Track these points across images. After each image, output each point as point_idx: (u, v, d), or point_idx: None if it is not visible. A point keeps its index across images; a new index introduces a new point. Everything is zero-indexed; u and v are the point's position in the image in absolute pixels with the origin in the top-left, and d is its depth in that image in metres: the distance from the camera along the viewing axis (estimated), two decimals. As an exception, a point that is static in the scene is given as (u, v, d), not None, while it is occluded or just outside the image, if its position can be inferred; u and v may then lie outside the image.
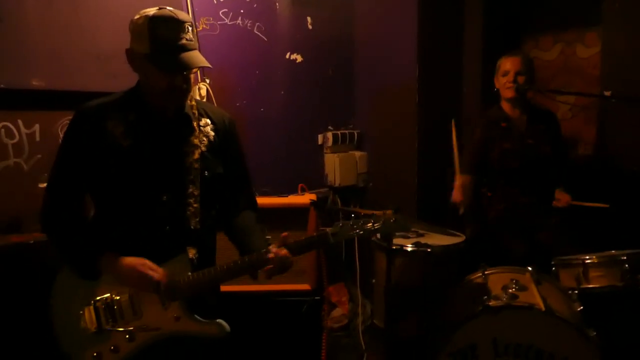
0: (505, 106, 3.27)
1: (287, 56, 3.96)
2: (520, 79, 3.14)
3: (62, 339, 1.89)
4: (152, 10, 1.82)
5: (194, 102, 2.03)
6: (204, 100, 3.39)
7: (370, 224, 1.94)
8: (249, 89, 3.79)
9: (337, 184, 4.16)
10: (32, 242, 2.68)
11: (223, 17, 3.58)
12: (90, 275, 1.89)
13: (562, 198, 3.11)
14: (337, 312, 4.00)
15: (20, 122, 2.84)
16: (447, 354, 2.30)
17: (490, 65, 3.35)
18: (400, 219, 1.95)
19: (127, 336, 1.86)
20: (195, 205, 1.93)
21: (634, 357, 2.58)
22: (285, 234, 1.95)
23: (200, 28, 3.45)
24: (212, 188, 2.00)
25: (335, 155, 4.16)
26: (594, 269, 2.55)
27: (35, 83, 2.82)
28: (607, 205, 2.96)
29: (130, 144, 1.88)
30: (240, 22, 3.66)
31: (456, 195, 3.14)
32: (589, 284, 2.54)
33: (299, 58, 4.00)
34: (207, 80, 3.45)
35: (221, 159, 2.04)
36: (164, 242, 1.91)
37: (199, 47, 1.93)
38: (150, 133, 1.92)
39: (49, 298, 1.91)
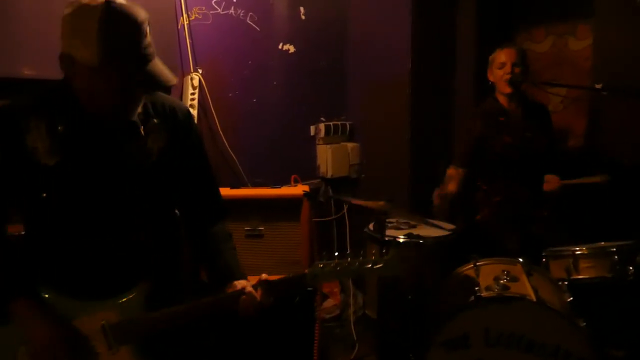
0: (501, 99, 3.27)
1: (280, 47, 3.94)
2: (517, 70, 3.14)
3: None
4: (98, 1, 1.39)
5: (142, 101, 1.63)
6: (196, 90, 3.38)
7: (356, 265, 1.67)
8: (242, 80, 3.76)
9: (329, 175, 4.15)
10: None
11: (216, 6, 3.55)
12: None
13: (551, 180, 3.12)
14: (328, 302, 4.01)
15: (11, 111, 2.81)
16: (440, 343, 2.31)
17: (483, 57, 3.35)
18: (389, 261, 1.69)
19: None
20: (145, 226, 1.64)
21: (622, 347, 2.62)
22: (264, 276, 1.69)
23: (193, 17, 3.43)
24: (166, 196, 1.70)
25: (328, 146, 4.15)
26: (583, 260, 2.58)
27: (27, 72, 2.79)
28: (600, 179, 2.94)
29: (58, 161, 1.51)
30: (232, 11, 3.63)
31: (452, 186, 3.17)
32: (579, 275, 2.57)
33: (292, 49, 3.98)
34: (200, 71, 3.44)
35: (177, 159, 1.70)
36: (108, 273, 1.61)
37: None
38: (84, 147, 1.54)
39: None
